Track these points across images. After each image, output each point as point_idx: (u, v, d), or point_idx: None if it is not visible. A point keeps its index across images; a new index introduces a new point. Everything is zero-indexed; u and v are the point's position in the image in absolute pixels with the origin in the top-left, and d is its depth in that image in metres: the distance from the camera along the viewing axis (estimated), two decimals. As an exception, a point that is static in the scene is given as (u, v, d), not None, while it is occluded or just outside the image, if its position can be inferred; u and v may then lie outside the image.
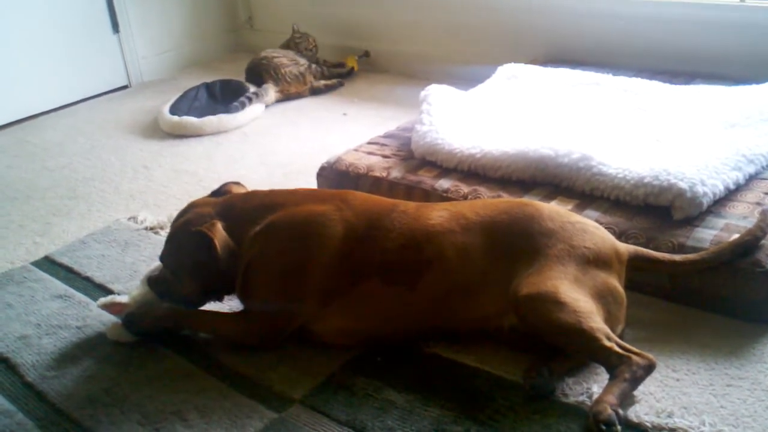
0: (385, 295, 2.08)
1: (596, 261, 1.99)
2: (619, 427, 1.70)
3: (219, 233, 2.14)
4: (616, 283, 2.00)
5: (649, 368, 1.82)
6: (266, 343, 2.15)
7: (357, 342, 2.12)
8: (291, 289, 2.12)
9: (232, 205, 2.26)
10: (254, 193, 2.37)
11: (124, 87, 5.06)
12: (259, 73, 4.52)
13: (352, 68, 4.82)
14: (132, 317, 2.24)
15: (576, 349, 1.92)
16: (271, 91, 4.43)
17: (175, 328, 2.25)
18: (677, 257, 2.12)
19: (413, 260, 2.08)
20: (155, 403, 1.98)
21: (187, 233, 2.19)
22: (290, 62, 4.57)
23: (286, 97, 4.51)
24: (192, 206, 2.31)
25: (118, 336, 2.24)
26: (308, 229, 2.15)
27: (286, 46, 4.76)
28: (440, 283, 2.05)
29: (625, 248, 2.09)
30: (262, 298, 2.15)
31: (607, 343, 1.82)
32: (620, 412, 1.73)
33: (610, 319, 1.92)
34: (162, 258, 2.28)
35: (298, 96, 4.56)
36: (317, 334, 2.13)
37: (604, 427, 1.69)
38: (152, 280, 2.27)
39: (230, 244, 2.15)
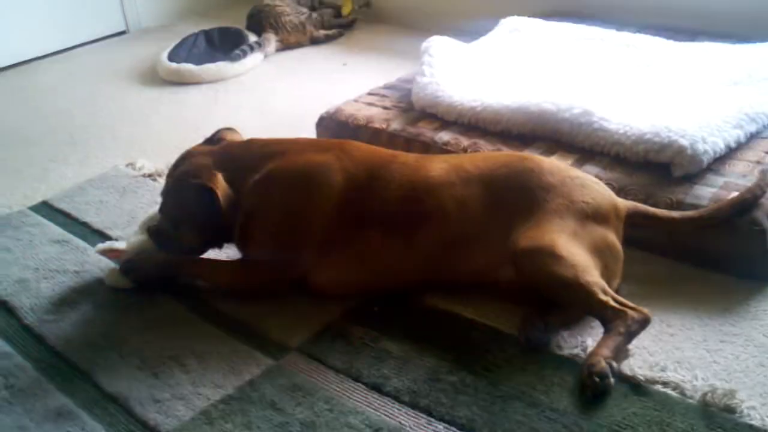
0: (384, 246, 2.08)
1: (595, 216, 1.99)
2: (612, 380, 1.72)
3: (221, 186, 2.12)
4: (613, 238, 2.00)
5: (644, 323, 1.84)
6: (265, 292, 2.16)
7: (356, 292, 2.13)
8: (290, 238, 2.12)
9: (231, 154, 2.24)
10: (252, 141, 2.34)
11: (122, 33, 5.01)
12: (260, 21, 4.47)
13: (354, 20, 4.76)
14: (130, 264, 2.23)
15: (572, 303, 1.93)
16: (272, 41, 4.39)
17: (174, 275, 2.24)
18: (675, 214, 2.12)
19: (413, 212, 2.08)
20: (153, 348, 2.00)
21: (187, 186, 2.17)
22: (291, 11, 4.51)
23: (286, 46, 4.47)
24: (189, 155, 2.28)
25: (116, 282, 2.24)
26: (308, 178, 2.14)
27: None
28: (439, 235, 2.05)
29: (624, 204, 2.09)
30: (261, 247, 2.15)
31: (603, 297, 1.84)
32: (614, 365, 1.75)
33: (606, 274, 1.93)
34: (162, 210, 2.26)
35: (298, 45, 4.51)
36: (316, 284, 2.14)
37: (597, 380, 1.71)
38: (152, 231, 2.26)
39: (231, 196, 2.14)
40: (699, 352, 1.88)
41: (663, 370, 1.80)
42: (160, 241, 2.24)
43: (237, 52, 4.15)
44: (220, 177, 2.14)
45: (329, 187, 2.12)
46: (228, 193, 2.13)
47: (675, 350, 1.88)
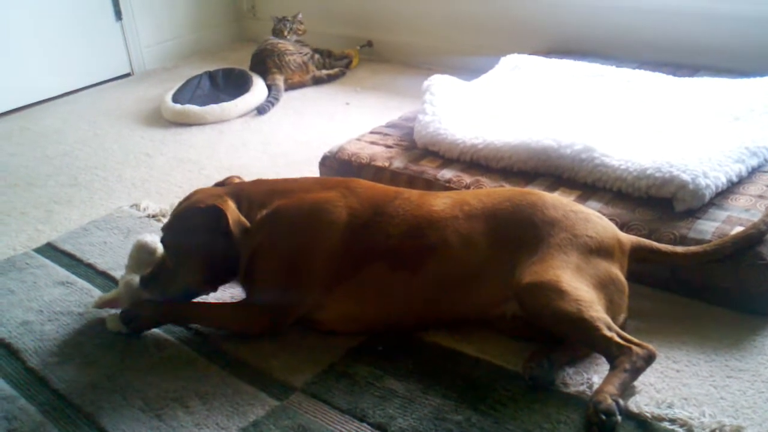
0: (388, 281, 2.08)
1: (598, 250, 1.99)
2: (619, 417, 1.70)
3: (231, 209, 2.11)
4: (617, 272, 2.00)
5: (650, 359, 1.82)
6: (270, 331, 2.14)
7: (360, 329, 2.13)
8: (296, 276, 2.12)
9: (242, 190, 2.25)
10: (261, 180, 2.37)
11: (127, 75, 5.06)
12: (264, 60, 4.52)
13: (350, 61, 4.81)
14: (130, 314, 2.19)
15: (577, 339, 1.92)
16: (281, 83, 4.43)
17: (175, 322, 2.22)
18: (679, 249, 2.12)
19: (417, 246, 2.08)
20: (157, 390, 1.99)
21: (196, 210, 2.14)
22: (295, 50, 4.56)
23: (289, 86, 4.50)
24: (196, 192, 2.29)
25: (119, 328, 2.21)
26: (313, 215, 2.15)
27: (276, 32, 4.72)
28: (443, 269, 2.06)
29: (628, 238, 2.09)
30: (266, 284, 2.14)
31: (608, 333, 1.82)
32: (621, 402, 1.73)
33: (611, 309, 1.92)
34: (164, 241, 2.20)
35: (300, 85, 4.55)
36: (321, 321, 2.14)
37: (604, 417, 1.69)
38: (146, 279, 2.18)
39: (243, 220, 2.13)
40: (706, 388, 1.86)
41: (670, 406, 1.79)
42: (155, 286, 2.17)
43: (265, 104, 4.21)
44: (230, 201, 2.14)
45: (334, 224, 2.13)
46: (239, 218, 2.12)
47: (682, 387, 1.87)
